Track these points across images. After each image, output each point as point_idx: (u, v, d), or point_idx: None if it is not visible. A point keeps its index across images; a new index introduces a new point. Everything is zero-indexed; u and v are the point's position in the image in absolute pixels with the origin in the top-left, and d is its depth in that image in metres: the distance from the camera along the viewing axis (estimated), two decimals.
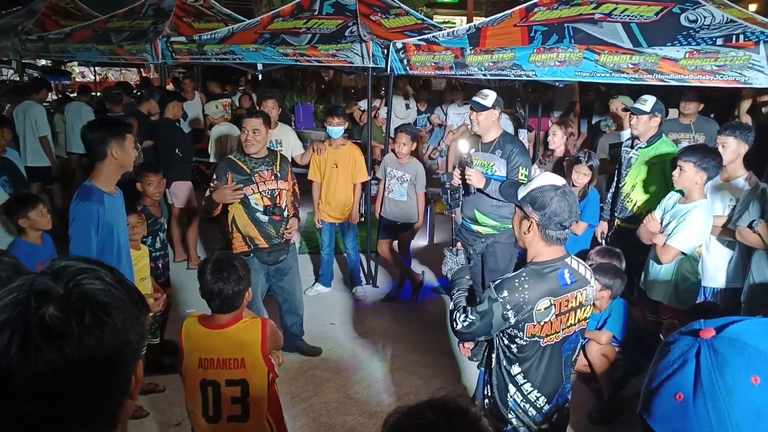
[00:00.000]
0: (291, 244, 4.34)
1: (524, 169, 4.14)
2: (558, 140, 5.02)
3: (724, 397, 0.89)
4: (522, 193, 2.36)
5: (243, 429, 2.52)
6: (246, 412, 2.50)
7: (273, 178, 4.12)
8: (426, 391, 4.11)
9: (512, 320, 2.24)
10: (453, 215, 3.06)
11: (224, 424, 2.51)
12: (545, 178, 2.35)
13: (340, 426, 3.75)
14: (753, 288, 3.58)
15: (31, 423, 0.78)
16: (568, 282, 2.30)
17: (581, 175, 4.50)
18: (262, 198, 4.08)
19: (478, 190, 4.10)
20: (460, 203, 3.03)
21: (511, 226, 4.30)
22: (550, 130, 5.18)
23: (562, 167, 4.96)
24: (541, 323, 2.26)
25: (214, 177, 4.13)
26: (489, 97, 4.19)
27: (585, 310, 2.42)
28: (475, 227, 4.33)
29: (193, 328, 2.54)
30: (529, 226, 2.30)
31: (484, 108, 4.16)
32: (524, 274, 2.27)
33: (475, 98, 4.23)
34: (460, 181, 4.22)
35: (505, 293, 2.23)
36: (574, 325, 2.38)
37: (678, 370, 0.94)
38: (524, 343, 2.29)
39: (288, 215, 4.24)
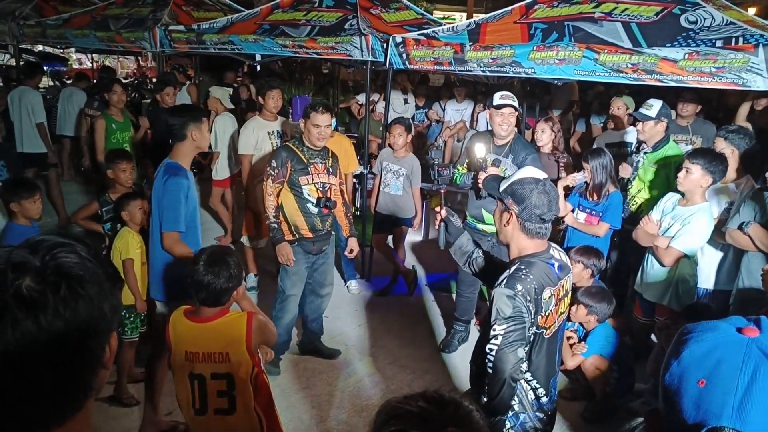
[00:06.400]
0: (332, 234, 4.33)
1: None
2: (546, 137, 5.04)
3: None
4: (503, 185, 2.33)
5: (230, 422, 2.51)
6: (232, 405, 2.49)
7: (325, 172, 4.13)
8: (417, 385, 4.11)
9: (531, 315, 2.17)
10: (442, 191, 3.09)
11: (211, 417, 2.51)
12: (526, 171, 2.33)
13: (332, 419, 3.75)
14: (741, 290, 3.60)
15: (7, 391, 0.80)
16: (557, 272, 2.29)
17: (539, 132, 5.00)
18: (316, 190, 4.08)
19: (489, 195, 4.06)
20: (449, 180, 3.05)
21: None
22: (537, 127, 5.22)
23: (551, 163, 4.96)
24: (546, 314, 2.22)
25: (273, 164, 4.03)
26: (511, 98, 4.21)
27: (569, 297, 2.43)
28: (481, 226, 4.37)
29: (179, 322, 2.54)
30: (509, 218, 2.28)
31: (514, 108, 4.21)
32: (521, 266, 2.21)
33: (502, 100, 4.24)
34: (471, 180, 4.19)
35: (519, 286, 2.14)
36: (563, 313, 2.38)
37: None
38: (531, 336, 2.25)
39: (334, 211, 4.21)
